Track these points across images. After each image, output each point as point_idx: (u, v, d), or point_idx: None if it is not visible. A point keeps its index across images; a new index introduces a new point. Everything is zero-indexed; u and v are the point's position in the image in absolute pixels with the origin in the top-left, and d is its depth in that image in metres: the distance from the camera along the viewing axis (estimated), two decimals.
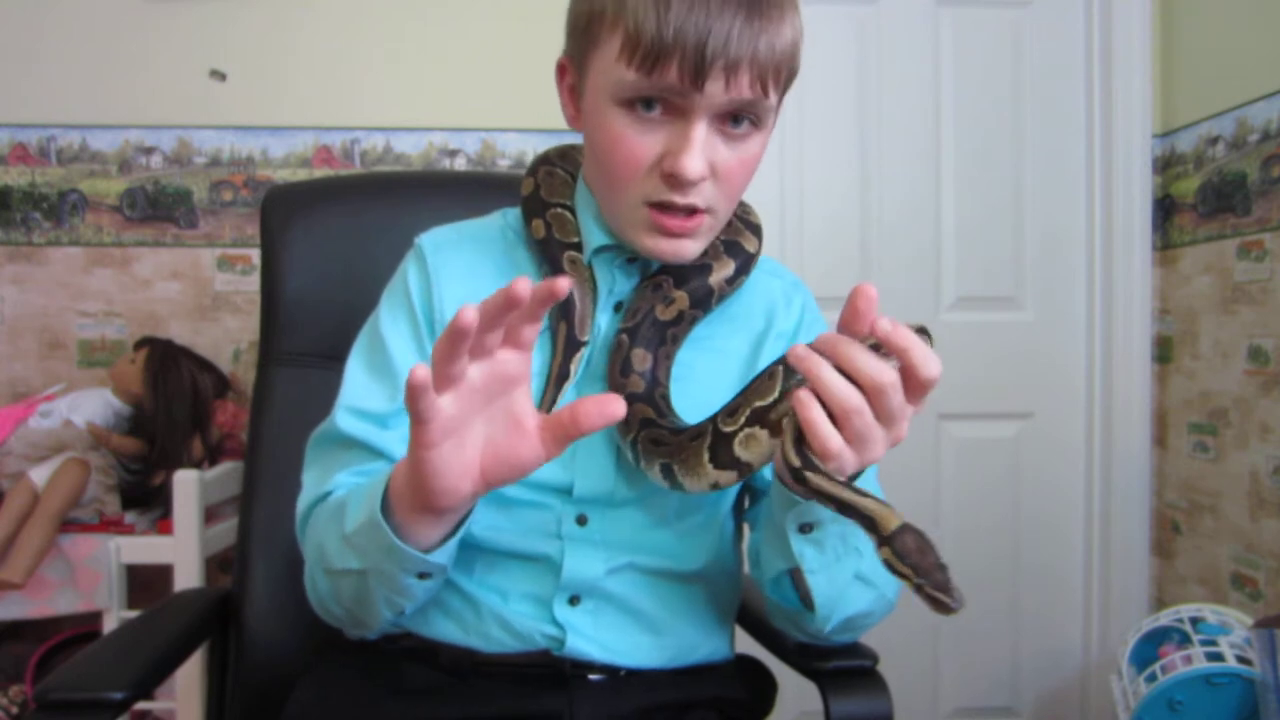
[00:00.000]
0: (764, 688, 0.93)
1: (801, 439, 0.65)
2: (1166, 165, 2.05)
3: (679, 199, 0.76)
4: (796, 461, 0.65)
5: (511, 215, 0.93)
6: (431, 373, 0.58)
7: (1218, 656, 1.47)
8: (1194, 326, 1.96)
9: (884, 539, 0.62)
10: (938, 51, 2.11)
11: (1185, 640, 1.54)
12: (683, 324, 0.84)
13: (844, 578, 0.77)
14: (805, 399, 0.64)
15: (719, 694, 0.88)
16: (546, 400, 0.81)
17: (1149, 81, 2.05)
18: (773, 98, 0.76)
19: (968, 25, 2.11)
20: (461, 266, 0.87)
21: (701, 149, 0.74)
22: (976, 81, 2.11)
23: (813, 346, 0.65)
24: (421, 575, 0.72)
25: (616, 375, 0.80)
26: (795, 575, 0.79)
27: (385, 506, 0.69)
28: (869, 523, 0.63)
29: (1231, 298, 1.85)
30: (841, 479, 0.65)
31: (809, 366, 0.64)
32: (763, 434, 0.70)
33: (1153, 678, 1.51)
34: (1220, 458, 1.89)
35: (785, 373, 0.70)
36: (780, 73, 0.75)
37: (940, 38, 2.11)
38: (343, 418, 0.83)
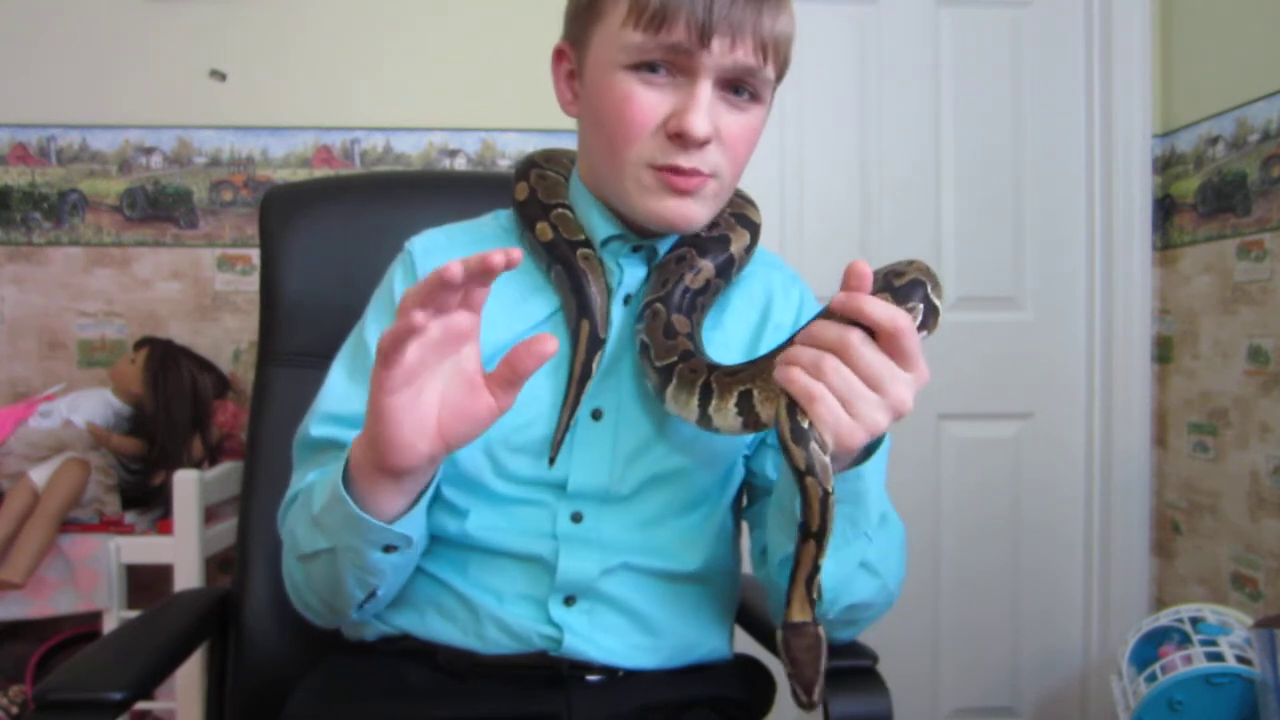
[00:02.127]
0: (763, 687, 0.93)
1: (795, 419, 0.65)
2: (1166, 165, 2.05)
3: (684, 161, 0.77)
4: (801, 463, 0.65)
5: (504, 217, 0.93)
6: (396, 322, 0.60)
7: (1218, 656, 1.47)
8: (1194, 326, 1.96)
9: (784, 624, 0.67)
10: (938, 51, 2.11)
11: (1185, 640, 1.54)
12: (708, 293, 0.85)
13: (850, 563, 0.77)
14: (781, 369, 0.67)
15: (718, 693, 0.88)
16: (570, 400, 0.81)
17: (1149, 81, 2.05)
18: (770, 71, 0.78)
19: (968, 25, 2.11)
20: None
21: (707, 109, 0.76)
22: (976, 81, 2.11)
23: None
24: (387, 549, 0.73)
25: (661, 339, 0.80)
26: None
27: (347, 479, 0.71)
28: (787, 603, 0.67)
29: (1231, 298, 1.84)
30: (825, 520, 0.66)
31: (784, 354, 0.68)
32: None
33: (1153, 678, 1.50)
34: (1220, 458, 1.89)
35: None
36: (778, 50, 0.78)
37: (940, 38, 2.11)
38: (316, 425, 0.84)
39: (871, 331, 0.64)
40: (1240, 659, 1.46)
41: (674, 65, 0.76)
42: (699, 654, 0.88)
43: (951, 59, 2.11)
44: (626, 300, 0.86)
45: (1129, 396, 2.07)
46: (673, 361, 0.78)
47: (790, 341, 0.70)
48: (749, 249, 0.88)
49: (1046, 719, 2.15)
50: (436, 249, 0.89)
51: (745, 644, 0.97)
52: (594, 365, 0.82)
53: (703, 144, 0.76)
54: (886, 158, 2.11)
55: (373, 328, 0.87)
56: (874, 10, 2.09)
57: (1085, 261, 2.12)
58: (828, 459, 0.64)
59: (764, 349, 0.88)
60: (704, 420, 0.76)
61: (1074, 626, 2.15)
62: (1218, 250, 1.88)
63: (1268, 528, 1.75)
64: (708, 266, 0.84)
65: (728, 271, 0.86)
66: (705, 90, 0.76)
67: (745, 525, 0.95)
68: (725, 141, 0.78)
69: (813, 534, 0.65)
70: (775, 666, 0.93)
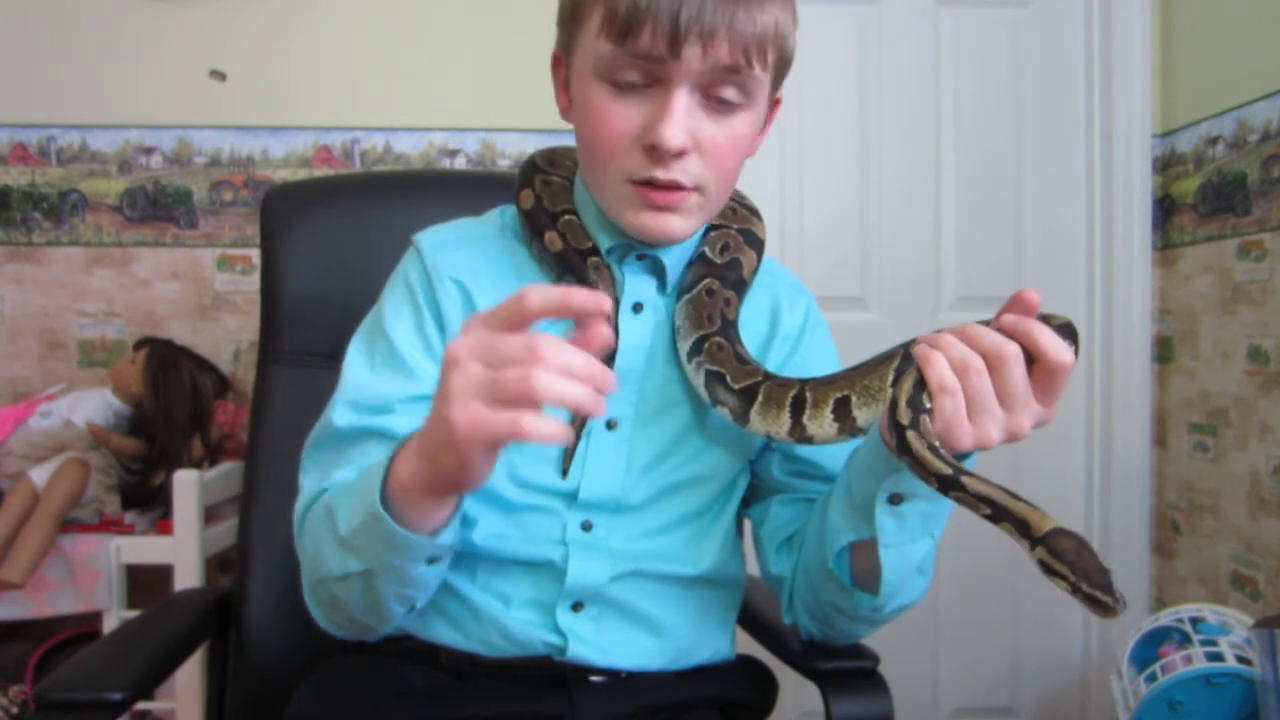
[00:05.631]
0: (765, 688, 0.93)
1: (915, 404, 0.65)
2: (1166, 165, 2.05)
3: (661, 174, 0.75)
4: (905, 419, 0.65)
5: (509, 214, 0.92)
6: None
7: (1218, 656, 1.47)
8: (1194, 326, 1.96)
9: (1037, 540, 0.62)
10: (938, 51, 2.11)
11: (1185, 640, 1.54)
12: (738, 320, 0.85)
13: (914, 560, 0.77)
14: (925, 348, 0.66)
15: (720, 694, 0.88)
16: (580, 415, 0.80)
17: (1149, 81, 2.05)
18: (758, 71, 0.74)
19: (968, 25, 2.11)
20: (461, 266, 0.87)
21: (682, 119, 0.73)
22: (976, 81, 2.11)
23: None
24: (432, 561, 0.71)
25: (737, 365, 0.80)
26: (855, 553, 0.79)
27: (384, 498, 0.67)
28: (1021, 525, 0.64)
29: (1231, 298, 1.84)
30: (955, 462, 0.66)
31: (932, 337, 0.67)
32: None
33: (1153, 678, 1.50)
34: (1220, 458, 1.89)
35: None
36: (764, 49, 0.74)
37: (940, 38, 2.11)
38: (341, 414, 0.80)
39: (1028, 356, 0.65)
40: (1240, 659, 1.46)
41: (648, 74, 0.73)
42: (703, 655, 0.88)
43: (951, 59, 2.11)
44: (636, 309, 0.86)
45: (1129, 396, 2.07)
46: (756, 381, 0.77)
47: (914, 341, 0.70)
48: (756, 269, 0.87)
49: (1046, 719, 2.15)
50: (444, 245, 0.88)
51: (746, 644, 0.98)
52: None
53: (678, 156, 0.74)
54: (886, 158, 2.10)
55: (390, 316, 0.84)
56: (874, 10, 2.09)
57: (1085, 261, 2.12)
58: (934, 442, 0.65)
59: (773, 360, 0.89)
60: (797, 431, 0.75)
61: (1074, 626, 2.15)
62: (1218, 250, 1.88)
63: (1268, 528, 1.75)
64: (732, 296, 0.84)
65: (743, 295, 0.86)
66: (679, 100, 0.73)
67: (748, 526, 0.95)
68: (707, 151, 0.75)
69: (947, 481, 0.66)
70: (777, 667, 0.94)
